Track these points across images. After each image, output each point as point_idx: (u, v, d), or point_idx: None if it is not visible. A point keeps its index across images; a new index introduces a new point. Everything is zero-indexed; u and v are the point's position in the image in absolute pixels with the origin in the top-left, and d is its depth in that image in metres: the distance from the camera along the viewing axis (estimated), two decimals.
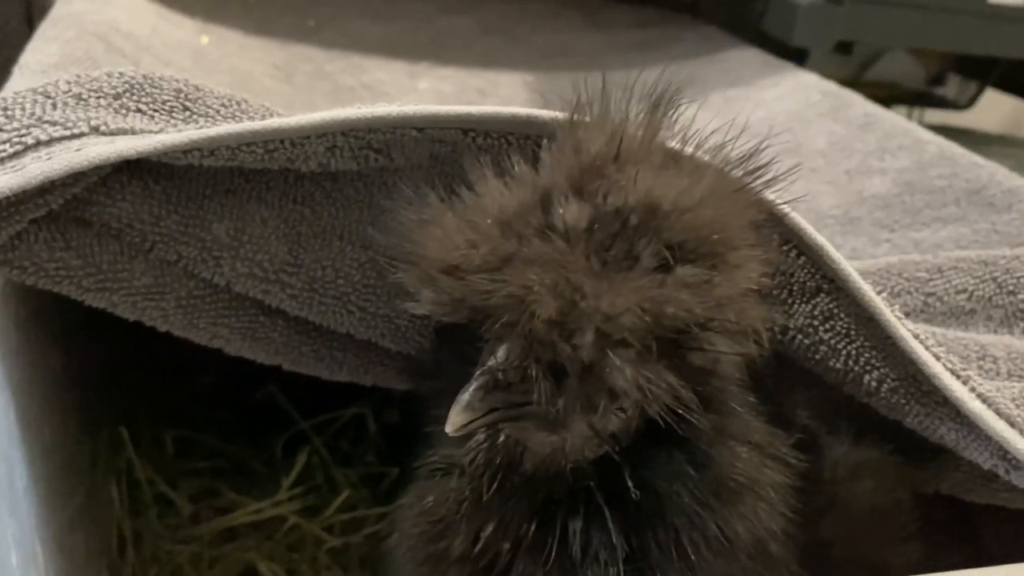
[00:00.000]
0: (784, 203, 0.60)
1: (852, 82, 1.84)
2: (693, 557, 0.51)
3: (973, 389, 0.59)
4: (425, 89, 1.34)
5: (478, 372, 0.46)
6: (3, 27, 1.35)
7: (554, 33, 1.59)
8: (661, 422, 0.46)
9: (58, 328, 0.76)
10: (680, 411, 0.46)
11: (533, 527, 0.51)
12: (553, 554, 0.51)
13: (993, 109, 2.10)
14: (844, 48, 1.48)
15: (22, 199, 0.55)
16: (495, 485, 0.51)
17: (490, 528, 0.52)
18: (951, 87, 2.03)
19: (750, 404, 0.55)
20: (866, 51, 1.76)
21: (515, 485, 0.52)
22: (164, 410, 1.08)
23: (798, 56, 1.46)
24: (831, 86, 1.27)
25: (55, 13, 1.05)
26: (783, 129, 1.20)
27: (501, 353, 0.46)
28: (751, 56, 1.41)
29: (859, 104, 1.20)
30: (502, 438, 0.51)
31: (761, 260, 0.49)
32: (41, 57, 0.87)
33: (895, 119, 1.15)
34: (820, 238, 0.61)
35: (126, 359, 0.96)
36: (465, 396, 0.46)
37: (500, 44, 1.51)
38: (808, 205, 1.07)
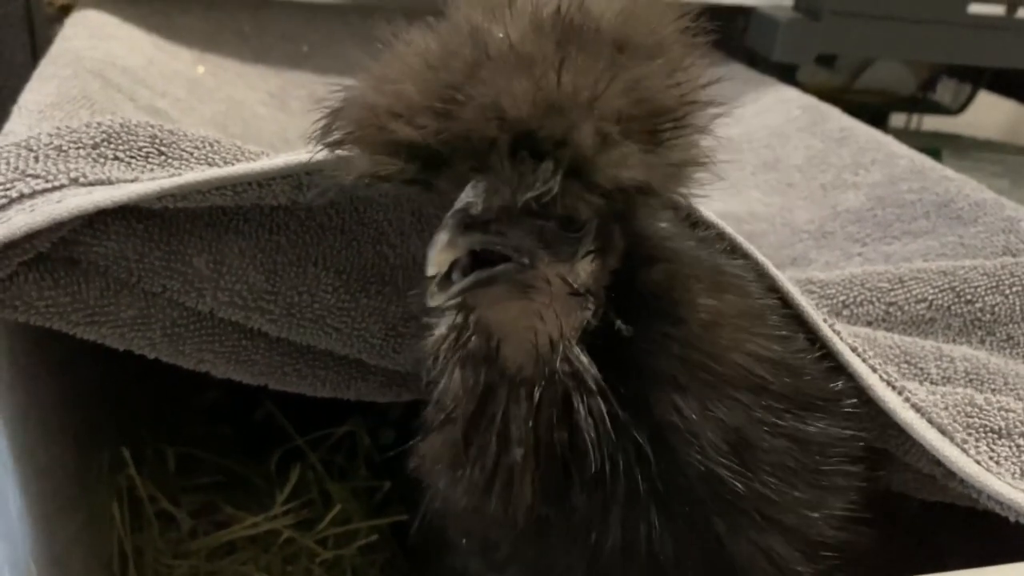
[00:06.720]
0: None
1: (844, 90, 1.87)
2: (688, 389, 0.53)
3: (907, 399, 0.62)
4: None
5: (449, 213, 0.46)
6: (9, 60, 1.39)
7: None
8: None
9: (57, 355, 0.80)
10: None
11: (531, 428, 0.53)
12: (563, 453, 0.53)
13: (990, 113, 2.11)
14: (826, 61, 1.50)
15: (10, 247, 0.59)
16: (478, 387, 0.53)
17: (492, 438, 0.53)
18: (946, 92, 2.05)
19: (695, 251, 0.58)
20: (855, 60, 1.79)
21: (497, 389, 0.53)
22: (166, 428, 1.12)
23: (789, 68, 1.48)
24: (810, 100, 1.30)
25: (54, 50, 1.09)
26: (763, 145, 1.23)
27: (470, 189, 0.46)
28: (734, 71, 1.44)
29: (836, 118, 1.22)
30: (473, 321, 0.52)
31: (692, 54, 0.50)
32: (39, 97, 0.91)
33: (870, 133, 1.17)
34: (762, 258, 0.64)
35: (128, 380, 1.00)
36: (443, 234, 0.46)
37: None
38: (784, 219, 1.10)
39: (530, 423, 0.53)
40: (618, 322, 0.52)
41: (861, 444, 0.61)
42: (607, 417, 0.52)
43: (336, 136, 0.49)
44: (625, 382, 0.53)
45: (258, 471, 1.11)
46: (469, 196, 0.46)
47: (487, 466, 0.54)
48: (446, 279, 0.48)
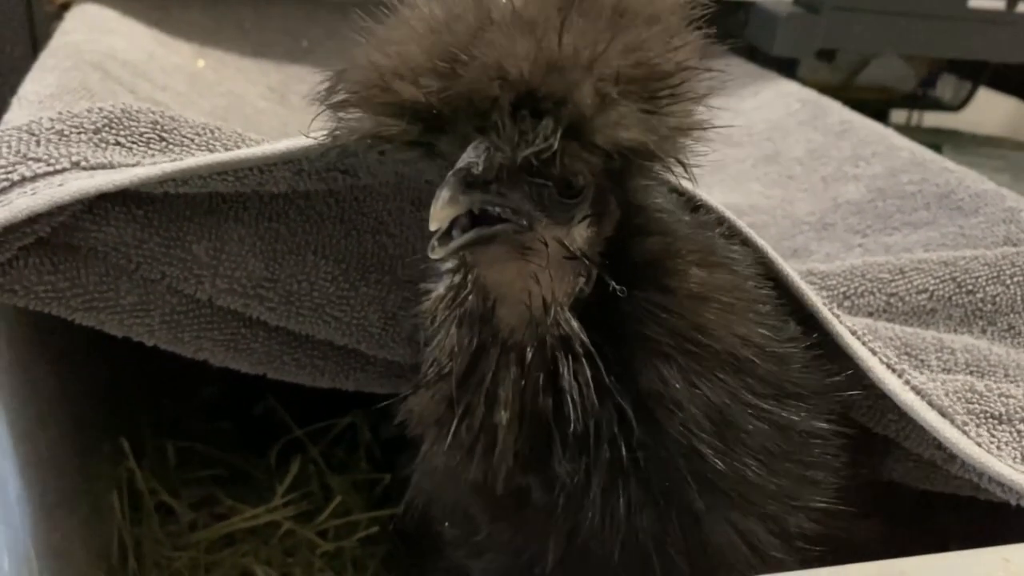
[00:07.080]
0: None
1: (844, 86, 1.87)
2: (673, 359, 0.53)
3: (908, 382, 0.62)
4: None
5: (451, 171, 0.47)
6: (9, 54, 1.39)
7: None
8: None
9: (57, 345, 0.80)
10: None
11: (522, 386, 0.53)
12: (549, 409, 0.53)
13: (990, 109, 2.11)
14: (826, 56, 1.50)
15: (10, 230, 0.59)
16: (472, 346, 0.53)
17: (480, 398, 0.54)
18: (946, 88, 2.04)
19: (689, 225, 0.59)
20: (855, 56, 1.79)
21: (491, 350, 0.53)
22: (167, 422, 1.13)
23: (790, 64, 1.48)
24: (811, 94, 1.30)
25: (54, 43, 1.09)
26: (763, 138, 1.23)
27: (472, 149, 0.46)
28: (734, 66, 1.43)
29: (836, 112, 1.22)
30: (471, 280, 0.53)
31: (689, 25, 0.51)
32: (39, 88, 0.91)
33: (870, 126, 1.17)
34: (763, 243, 0.64)
35: (130, 374, 1.00)
36: (445, 191, 0.46)
37: None
38: (785, 211, 1.10)
39: (519, 385, 0.53)
40: (612, 283, 0.52)
41: (845, 440, 0.61)
42: (592, 382, 0.53)
43: (340, 97, 0.50)
44: (613, 349, 0.53)
45: (258, 465, 1.11)
46: (471, 156, 0.46)
47: (473, 426, 0.55)
48: (447, 235, 0.48)
